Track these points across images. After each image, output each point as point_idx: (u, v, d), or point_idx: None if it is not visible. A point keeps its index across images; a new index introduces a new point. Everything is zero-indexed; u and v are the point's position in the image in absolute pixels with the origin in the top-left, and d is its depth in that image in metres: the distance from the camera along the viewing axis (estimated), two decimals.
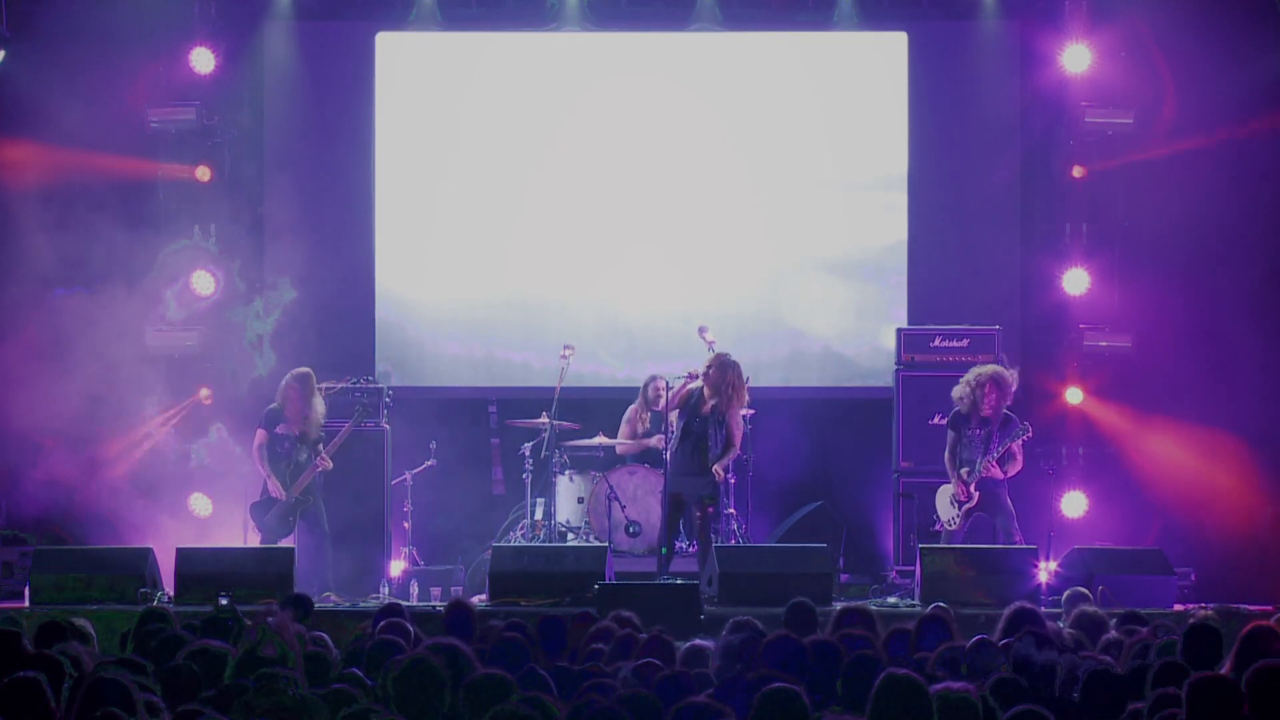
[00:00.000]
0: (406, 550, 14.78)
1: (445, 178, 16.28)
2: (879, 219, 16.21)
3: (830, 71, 16.32)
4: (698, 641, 8.18)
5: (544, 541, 14.53)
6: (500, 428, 15.91)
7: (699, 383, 13.89)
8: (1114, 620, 9.43)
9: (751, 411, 14.83)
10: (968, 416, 13.97)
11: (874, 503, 15.79)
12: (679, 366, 14.23)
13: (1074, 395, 15.71)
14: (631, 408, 15.26)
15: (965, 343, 15.25)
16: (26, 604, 13.11)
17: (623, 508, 14.69)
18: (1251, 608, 12.71)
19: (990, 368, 14.09)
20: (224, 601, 11.56)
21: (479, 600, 13.23)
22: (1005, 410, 13.94)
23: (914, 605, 13.00)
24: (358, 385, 15.02)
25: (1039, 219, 16.22)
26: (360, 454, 14.61)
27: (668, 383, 14.11)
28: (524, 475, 14.92)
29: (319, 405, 14.16)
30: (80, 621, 8.74)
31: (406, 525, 14.84)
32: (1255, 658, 6.97)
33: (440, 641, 7.27)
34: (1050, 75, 15.93)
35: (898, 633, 8.60)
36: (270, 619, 7.39)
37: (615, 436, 15.13)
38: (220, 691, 6.71)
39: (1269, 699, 6.27)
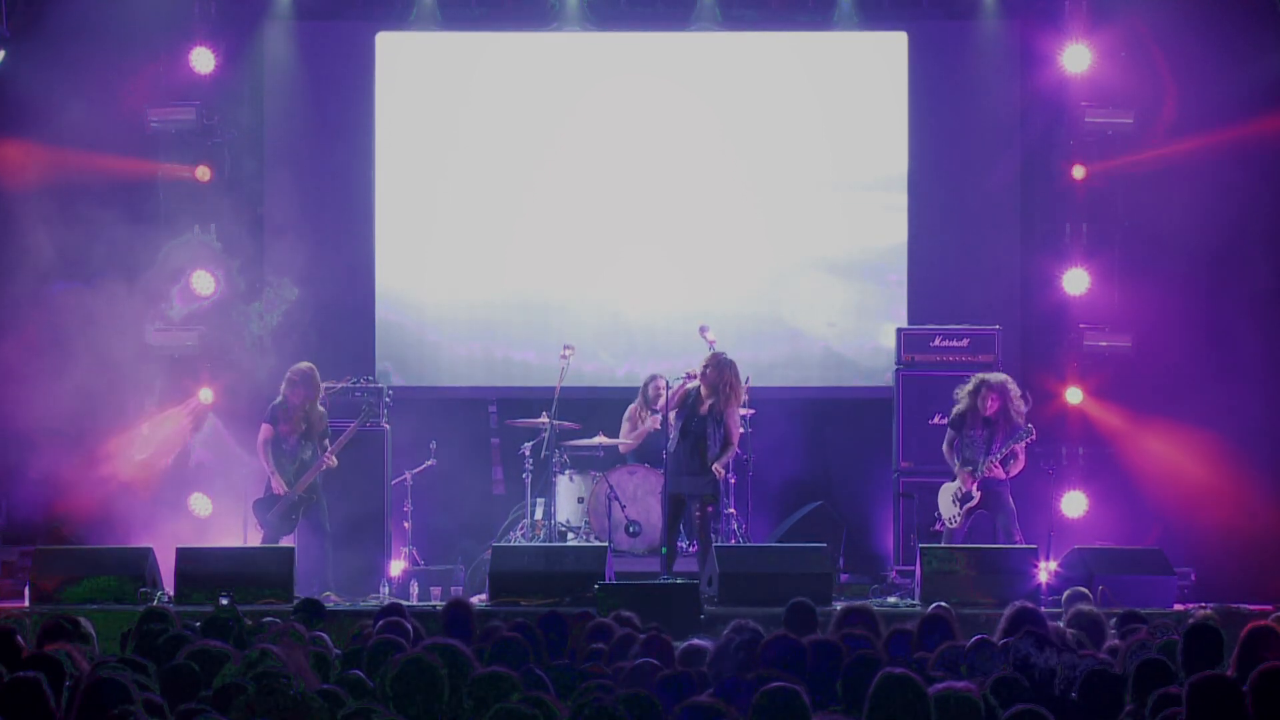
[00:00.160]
0: (406, 550, 14.78)
1: (445, 177, 16.28)
2: (879, 219, 16.21)
3: (830, 71, 16.32)
4: (695, 641, 8.18)
5: (544, 541, 14.53)
6: (500, 427, 15.92)
7: (696, 382, 13.90)
8: (1113, 620, 9.43)
9: (751, 411, 14.84)
10: (967, 418, 13.98)
11: (874, 503, 15.79)
12: (679, 366, 14.24)
13: (1074, 395, 15.72)
14: (631, 407, 15.27)
15: (965, 343, 15.26)
16: (26, 604, 13.10)
17: (623, 508, 14.70)
18: (1251, 608, 12.71)
19: (998, 376, 14.05)
20: (224, 601, 11.58)
21: (479, 600, 13.23)
22: (1013, 415, 13.92)
23: (914, 605, 13.00)
24: (358, 385, 15.02)
25: (1039, 219, 16.22)
26: (360, 454, 14.60)
27: (668, 382, 14.12)
28: (524, 475, 14.93)
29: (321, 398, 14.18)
30: (80, 621, 8.74)
31: (406, 525, 14.84)
32: (1256, 658, 6.97)
33: (438, 641, 7.27)
34: (1050, 75, 15.93)
35: (899, 633, 8.59)
36: (278, 647, 7.36)
37: (615, 436, 15.13)
38: (220, 691, 6.71)
39: (1273, 702, 6.26)
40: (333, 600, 13.47)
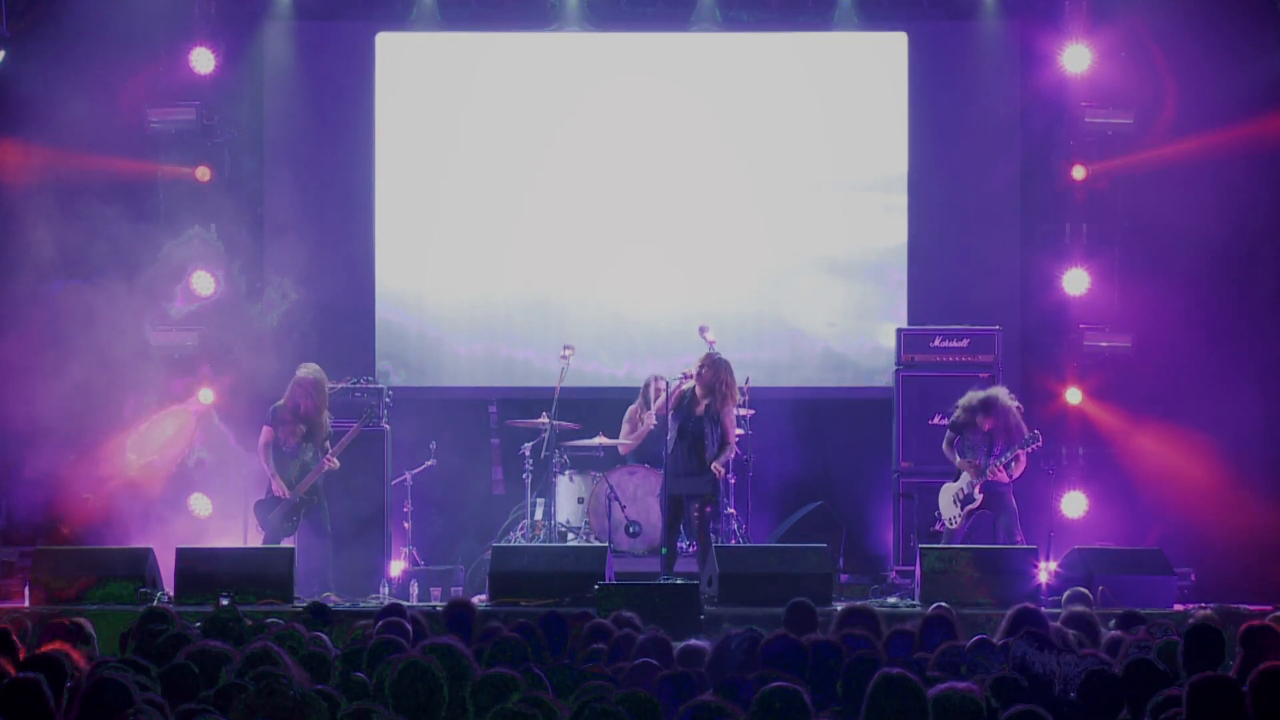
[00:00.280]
0: (406, 550, 14.77)
1: (445, 177, 16.28)
2: (879, 219, 16.21)
3: (830, 72, 16.32)
4: (694, 641, 8.18)
5: (544, 542, 14.53)
6: (500, 428, 15.91)
7: (692, 383, 13.90)
8: (1111, 621, 9.43)
9: (751, 412, 14.85)
10: (965, 428, 14.01)
11: (874, 503, 15.79)
12: (679, 366, 14.24)
13: (1074, 395, 15.71)
14: (632, 408, 15.26)
15: (965, 343, 15.26)
16: (26, 604, 13.09)
17: (623, 508, 14.70)
18: (1251, 608, 12.71)
19: (992, 395, 13.99)
20: (224, 602, 11.59)
21: (479, 600, 13.23)
22: (1012, 425, 13.91)
23: (914, 605, 13.00)
24: (358, 385, 15.01)
25: (1039, 219, 16.22)
26: (360, 454, 14.58)
27: (667, 383, 14.12)
28: (524, 475, 14.93)
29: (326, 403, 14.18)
30: (80, 621, 8.74)
31: (406, 525, 14.84)
32: (1256, 657, 6.97)
33: (437, 641, 7.27)
34: (1050, 75, 15.93)
35: (900, 633, 8.59)
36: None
37: (615, 436, 15.13)
38: (220, 691, 6.71)
39: (1273, 702, 6.25)
40: (333, 600, 13.47)
